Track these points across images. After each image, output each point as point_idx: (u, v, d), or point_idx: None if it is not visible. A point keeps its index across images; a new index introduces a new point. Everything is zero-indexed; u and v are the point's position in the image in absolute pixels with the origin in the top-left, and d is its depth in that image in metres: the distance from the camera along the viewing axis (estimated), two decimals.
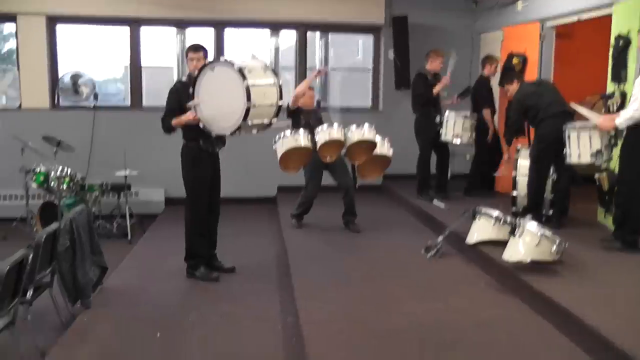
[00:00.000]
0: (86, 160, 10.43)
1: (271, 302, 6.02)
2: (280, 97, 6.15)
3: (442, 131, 8.98)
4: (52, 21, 10.67)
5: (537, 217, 7.39)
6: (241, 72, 5.80)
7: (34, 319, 5.22)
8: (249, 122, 5.89)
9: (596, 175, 7.46)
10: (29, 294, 5.19)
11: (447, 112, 8.99)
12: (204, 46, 6.49)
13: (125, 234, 9.19)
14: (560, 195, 7.60)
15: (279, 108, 6.23)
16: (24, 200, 9.30)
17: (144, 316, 5.78)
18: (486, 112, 9.32)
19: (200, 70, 6.04)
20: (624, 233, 6.47)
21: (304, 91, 7.86)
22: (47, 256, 5.54)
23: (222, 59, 6.08)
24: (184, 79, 6.55)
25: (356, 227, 8.08)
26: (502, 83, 9.16)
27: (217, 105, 6.01)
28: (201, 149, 6.43)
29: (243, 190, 10.65)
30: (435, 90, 9.09)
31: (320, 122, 7.78)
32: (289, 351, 5.02)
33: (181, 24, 11.06)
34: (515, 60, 9.50)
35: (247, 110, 5.78)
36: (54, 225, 5.64)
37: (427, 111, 9.14)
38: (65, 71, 10.82)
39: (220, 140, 6.55)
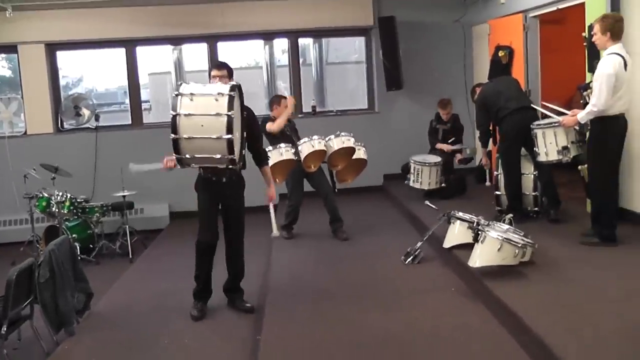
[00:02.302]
0: (91, 181, 10.68)
1: (247, 321, 6.11)
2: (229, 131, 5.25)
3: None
4: (51, 48, 11.02)
5: (521, 214, 7.45)
6: (177, 98, 5.32)
7: (21, 349, 5.39)
8: (186, 156, 5.42)
9: (579, 167, 7.44)
10: (3, 329, 5.43)
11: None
12: (227, 64, 6.13)
13: (128, 252, 9.38)
14: (547, 189, 7.59)
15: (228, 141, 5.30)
16: (30, 224, 9.55)
17: (125, 340, 5.90)
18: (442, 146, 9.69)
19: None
20: (600, 227, 6.45)
21: (285, 122, 7.94)
22: (24, 290, 5.77)
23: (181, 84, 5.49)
24: None
25: (343, 235, 8.18)
26: (490, 77, 9.16)
27: None
28: (201, 176, 6.02)
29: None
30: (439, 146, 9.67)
31: (296, 131, 7.96)
32: None
33: (175, 41, 11.24)
34: (501, 53, 9.46)
35: (174, 142, 5.32)
36: (28, 261, 5.86)
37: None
38: (67, 94, 11.14)
39: (225, 169, 5.77)
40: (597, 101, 6.02)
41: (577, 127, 6.82)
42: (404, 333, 5.16)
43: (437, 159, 9.22)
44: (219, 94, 5.30)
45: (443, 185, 9.27)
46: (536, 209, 7.68)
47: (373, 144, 10.20)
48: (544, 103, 7.46)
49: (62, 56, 11.46)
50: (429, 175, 9.12)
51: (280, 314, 5.80)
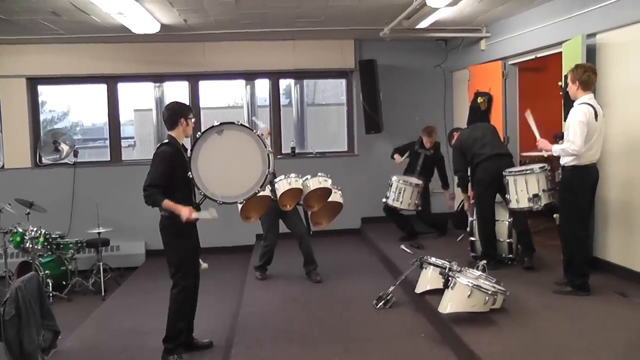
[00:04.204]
0: (68, 217, 10.62)
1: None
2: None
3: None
4: (32, 82, 10.99)
5: (495, 261, 7.45)
6: (260, 137, 5.71)
7: None
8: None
9: (554, 215, 7.46)
10: None
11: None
12: (169, 109, 6.09)
13: (101, 289, 9.28)
14: (521, 237, 7.60)
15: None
16: (3, 259, 9.44)
17: None
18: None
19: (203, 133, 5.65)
20: (572, 276, 6.44)
21: None
22: None
23: (233, 122, 5.74)
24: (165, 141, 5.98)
25: (316, 278, 8.15)
26: (468, 123, 9.26)
27: (222, 171, 5.70)
28: (175, 222, 5.83)
29: (223, 240, 10.81)
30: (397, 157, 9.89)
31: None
32: None
33: (157, 79, 11.28)
34: (480, 99, 9.56)
35: (266, 177, 5.68)
36: None
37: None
38: (49, 128, 11.16)
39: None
40: (574, 142, 6.04)
41: (549, 175, 6.87)
42: None
43: (419, 181, 9.25)
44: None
45: (419, 209, 9.30)
46: (511, 255, 7.67)
47: (351, 187, 10.22)
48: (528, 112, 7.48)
49: (47, 90, 11.53)
50: (410, 195, 9.14)
51: (246, 354, 5.74)
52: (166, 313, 6.11)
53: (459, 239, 9.17)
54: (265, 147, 5.73)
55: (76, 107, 12.43)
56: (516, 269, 7.54)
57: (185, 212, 5.66)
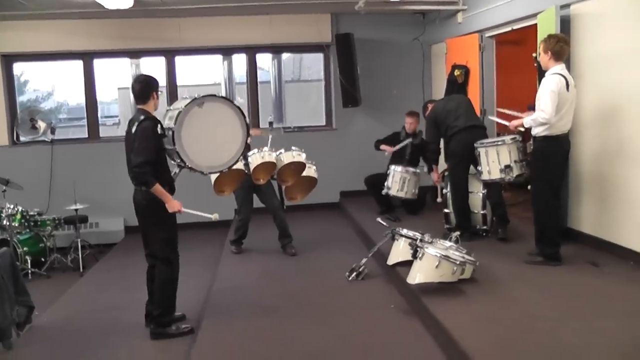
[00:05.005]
0: (47, 195, 10.58)
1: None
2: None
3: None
4: (8, 59, 10.90)
5: (470, 232, 7.48)
6: (240, 109, 5.93)
7: None
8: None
9: (529, 187, 7.47)
10: None
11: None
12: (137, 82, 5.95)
13: (79, 266, 9.29)
14: (496, 208, 7.63)
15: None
16: None
17: (63, 355, 5.85)
18: None
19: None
20: (543, 247, 6.48)
21: None
22: None
23: (214, 95, 5.89)
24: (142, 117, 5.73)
25: (291, 251, 8.19)
26: (445, 96, 9.24)
27: (205, 143, 5.80)
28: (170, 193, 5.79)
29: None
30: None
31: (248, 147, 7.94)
32: None
33: (133, 54, 11.20)
34: (457, 72, 9.54)
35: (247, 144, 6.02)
36: None
37: None
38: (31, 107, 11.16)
39: None
40: (545, 110, 6.05)
41: (520, 146, 6.89)
42: (335, 349, 5.14)
43: (416, 169, 9.19)
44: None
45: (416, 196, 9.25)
46: (485, 227, 7.70)
47: (330, 161, 10.24)
48: (499, 110, 7.48)
49: (31, 69, 11.54)
50: (413, 184, 9.06)
51: (217, 327, 5.77)
52: (143, 288, 6.15)
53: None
54: (244, 116, 5.87)
55: (61, 87, 12.33)
56: (490, 240, 7.57)
57: (174, 205, 5.70)
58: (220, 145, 5.89)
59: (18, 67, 11.31)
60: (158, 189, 5.57)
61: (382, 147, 9.64)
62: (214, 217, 5.93)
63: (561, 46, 6.17)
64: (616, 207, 6.62)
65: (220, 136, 5.87)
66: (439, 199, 8.51)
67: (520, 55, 10.05)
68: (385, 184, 9.12)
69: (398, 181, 9.04)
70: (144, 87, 5.85)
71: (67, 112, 12.84)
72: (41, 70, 11.94)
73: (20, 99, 11.48)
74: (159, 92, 5.98)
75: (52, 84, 12.48)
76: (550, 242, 6.43)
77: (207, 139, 5.79)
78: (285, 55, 12.49)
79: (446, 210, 7.91)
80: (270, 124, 11.10)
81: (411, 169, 9.09)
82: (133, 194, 5.90)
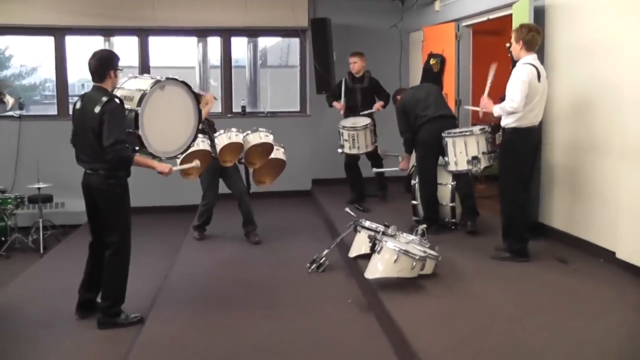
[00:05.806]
0: (12, 172, 10.34)
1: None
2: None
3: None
4: None
5: (438, 225, 7.33)
6: (195, 93, 5.86)
7: None
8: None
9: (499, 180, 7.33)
10: None
11: None
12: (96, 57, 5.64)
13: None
14: (465, 200, 7.47)
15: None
16: None
17: (6, 340, 5.61)
18: None
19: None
20: (510, 242, 6.33)
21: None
22: None
23: (175, 78, 5.74)
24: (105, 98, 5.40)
25: (255, 239, 8.03)
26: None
27: (162, 127, 5.60)
28: (122, 179, 5.61)
29: (167, 199, 10.55)
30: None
31: (213, 127, 7.75)
32: None
33: (106, 32, 10.93)
34: (432, 61, 9.41)
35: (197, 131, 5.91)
36: None
37: None
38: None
39: None
40: (514, 99, 5.90)
41: (489, 138, 6.76)
42: (284, 344, 4.99)
43: (367, 120, 8.83)
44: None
45: (376, 145, 8.95)
46: (454, 220, 7.55)
47: (302, 147, 10.07)
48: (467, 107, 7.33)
49: (16, 44, 11.36)
50: (364, 138, 8.72)
51: (164, 317, 5.60)
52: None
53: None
54: (198, 102, 5.76)
55: (48, 62, 12.02)
56: (459, 233, 7.43)
57: (165, 167, 5.74)
58: (175, 131, 5.73)
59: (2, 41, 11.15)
60: (140, 159, 5.51)
61: (334, 104, 9.38)
62: (195, 163, 6.23)
63: (533, 36, 6.03)
64: (587, 202, 6.50)
65: (175, 122, 5.73)
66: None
67: (497, 46, 9.85)
68: (339, 143, 8.89)
69: (348, 139, 8.74)
70: (102, 65, 5.54)
71: (52, 88, 12.55)
72: (27, 45, 11.67)
73: (4, 73, 11.31)
74: (118, 70, 5.66)
75: (39, 60, 12.16)
76: (518, 237, 6.29)
77: (164, 123, 5.60)
78: (273, 40, 12.33)
79: (414, 202, 7.74)
80: (243, 108, 10.97)
81: (359, 123, 8.76)
82: (84, 179, 5.67)
